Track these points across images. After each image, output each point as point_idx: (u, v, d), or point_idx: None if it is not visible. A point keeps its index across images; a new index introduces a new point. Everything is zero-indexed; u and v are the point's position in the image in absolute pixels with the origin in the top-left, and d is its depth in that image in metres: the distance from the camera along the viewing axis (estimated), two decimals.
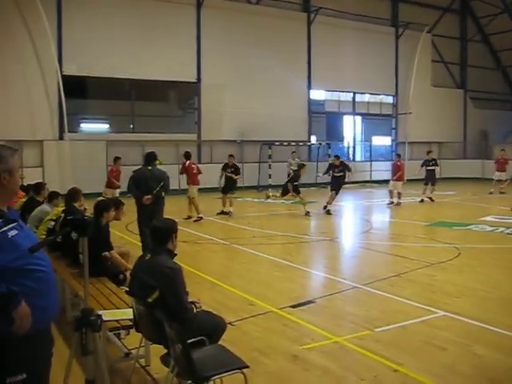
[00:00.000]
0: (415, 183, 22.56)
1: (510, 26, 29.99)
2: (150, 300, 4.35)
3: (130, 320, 4.73)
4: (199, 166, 16.64)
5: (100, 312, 4.89)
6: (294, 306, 7.11)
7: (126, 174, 16.20)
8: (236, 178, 16.53)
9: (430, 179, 20.26)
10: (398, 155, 21.08)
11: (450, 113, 33.69)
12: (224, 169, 16.69)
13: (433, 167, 20.47)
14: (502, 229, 13.51)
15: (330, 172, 17.29)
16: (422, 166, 20.68)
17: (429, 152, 21.64)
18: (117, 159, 17.91)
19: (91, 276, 6.33)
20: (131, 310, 4.72)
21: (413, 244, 11.84)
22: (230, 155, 17.47)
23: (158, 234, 4.69)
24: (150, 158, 9.83)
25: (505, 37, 33.46)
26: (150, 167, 9.66)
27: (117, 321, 4.81)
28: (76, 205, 7.76)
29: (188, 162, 15.81)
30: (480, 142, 34.64)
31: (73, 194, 7.86)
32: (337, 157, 17.95)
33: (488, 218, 15.40)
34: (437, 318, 6.63)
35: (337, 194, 17.06)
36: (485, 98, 35.67)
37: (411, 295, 7.57)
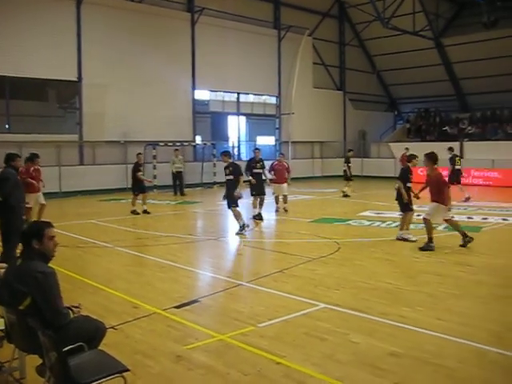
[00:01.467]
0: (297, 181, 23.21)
1: (383, 32, 31.60)
2: (21, 307, 4.13)
3: (2, 331, 4.47)
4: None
5: None
6: (178, 307, 7.06)
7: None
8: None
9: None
10: (283, 154, 20.64)
11: (330, 113, 35.08)
12: (137, 169, 16.86)
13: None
14: (378, 223, 14.28)
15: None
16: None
17: (350, 150, 22.98)
18: (33, 157, 14.71)
19: None
20: (2, 319, 4.46)
21: (296, 240, 12.16)
22: (139, 153, 17.92)
23: (24, 238, 4.49)
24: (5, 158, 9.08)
25: (378, 42, 35.39)
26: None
27: None
28: None
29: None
30: (359, 142, 36.35)
31: None
32: (225, 153, 13.58)
33: (366, 213, 16.21)
34: (318, 311, 6.87)
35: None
36: (362, 99, 37.54)
37: (294, 290, 7.78)
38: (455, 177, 19.10)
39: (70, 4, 23.39)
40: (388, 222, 14.28)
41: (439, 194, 10.81)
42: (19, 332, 4.22)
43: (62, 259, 9.92)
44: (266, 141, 33.26)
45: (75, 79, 23.76)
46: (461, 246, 10.80)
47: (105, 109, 24.12)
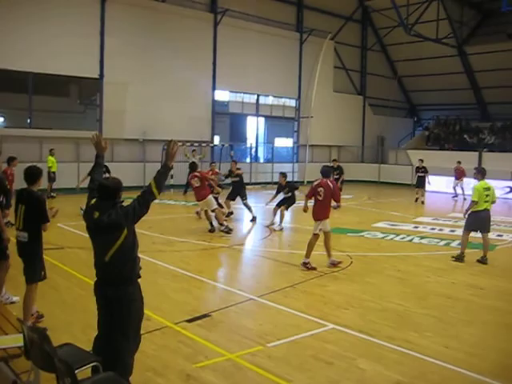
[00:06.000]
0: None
1: (405, 38, 31.50)
2: None
3: (20, 348, 4.60)
4: None
5: None
6: (189, 321, 7.20)
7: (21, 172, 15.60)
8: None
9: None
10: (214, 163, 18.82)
11: (349, 118, 35.12)
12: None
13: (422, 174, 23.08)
14: (392, 236, 14.31)
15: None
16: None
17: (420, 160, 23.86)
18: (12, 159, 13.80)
19: None
20: (21, 335, 4.58)
21: None
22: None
23: None
24: None
25: (400, 48, 35.22)
26: None
27: (4, 349, 4.65)
28: None
29: None
30: (377, 147, 36.29)
31: None
32: (283, 175, 15.89)
33: (380, 225, 16.22)
34: (326, 332, 6.96)
35: (286, 209, 15.58)
36: (382, 104, 37.39)
37: (304, 307, 7.88)
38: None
39: (94, 2, 23.66)
40: (402, 236, 14.31)
41: None
42: (39, 352, 4.33)
43: (77, 261, 10.16)
44: (284, 143, 33.36)
45: (97, 77, 24.05)
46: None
47: (125, 107, 24.42)
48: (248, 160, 30.43)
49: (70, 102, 25.88)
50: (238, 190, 16.73)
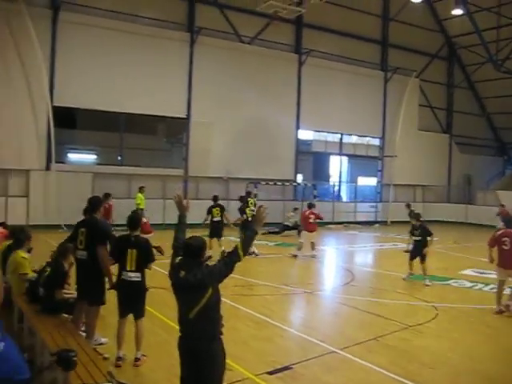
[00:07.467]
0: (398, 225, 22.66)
1: (495, 75, 30.68)
2: None
3: None
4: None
5: None
6: (270, 373, 7.13)
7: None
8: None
9: None
10: (309, 205, 18.49)
11: (434, 156, 34.27)
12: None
13: None
14: (480, 285, 13.69)
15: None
16: None
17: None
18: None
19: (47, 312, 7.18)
20: None
21: (392, 301, 11.89)
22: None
23: None
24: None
25: (489, 85, 34.34)
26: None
27: None
28: (64, 262, 7.79)
29: None
30: (464, 187, 35.16)
31: (63, 251, 7.86)
32: (415, 215, 14.68)
33: (468, 272, 15.57)
34: None
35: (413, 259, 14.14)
36: (470, 143, 36.39)
37: (387, 364, 7.62)
38: None
39: (183, 45, 24.73)
40: (491, 286, 13.62)
41: None
42: None
43: (162, 303, 10.34)
44: (367, 182, 33.04)
45: (184, 116, 24.90)
46: None
47: (210, 145, 25.07)
48: (331, 199, 30.31)
49: (157, 140, 26.94)
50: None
